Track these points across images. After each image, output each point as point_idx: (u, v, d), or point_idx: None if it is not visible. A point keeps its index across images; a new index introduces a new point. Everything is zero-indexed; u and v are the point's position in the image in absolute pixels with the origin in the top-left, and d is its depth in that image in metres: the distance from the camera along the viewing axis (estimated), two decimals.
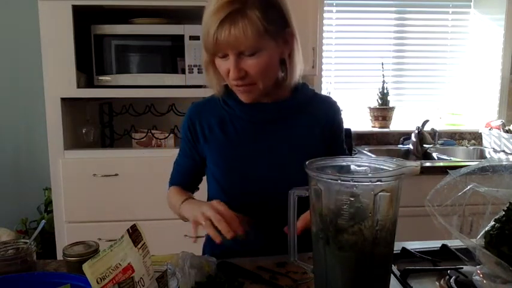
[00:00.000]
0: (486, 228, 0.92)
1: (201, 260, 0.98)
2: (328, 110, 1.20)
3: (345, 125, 1.26)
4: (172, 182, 1.31)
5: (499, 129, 2.78)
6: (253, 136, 1.14)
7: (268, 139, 1.14)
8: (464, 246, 0.90)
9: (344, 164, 0.85)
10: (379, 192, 0.74)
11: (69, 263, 0.94)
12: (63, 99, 2.10)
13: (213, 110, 1.18)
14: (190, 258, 0.96)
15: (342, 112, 1.24)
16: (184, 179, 1.29)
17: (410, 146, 2.80)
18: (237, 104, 1.12)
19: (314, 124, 1.17)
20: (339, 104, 1.25)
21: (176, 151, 2.18)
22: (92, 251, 0.95)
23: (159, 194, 2.18)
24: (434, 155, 2.71)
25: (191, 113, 1.20)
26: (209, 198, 1.23)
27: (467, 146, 2.93)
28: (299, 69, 1.11)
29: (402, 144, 2.89)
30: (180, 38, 2.13)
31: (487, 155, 2.83)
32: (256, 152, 1.13)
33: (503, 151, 2.73)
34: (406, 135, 2.88)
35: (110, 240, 0.82)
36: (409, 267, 0.99)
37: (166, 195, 1.29)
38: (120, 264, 0.70)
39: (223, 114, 1.16)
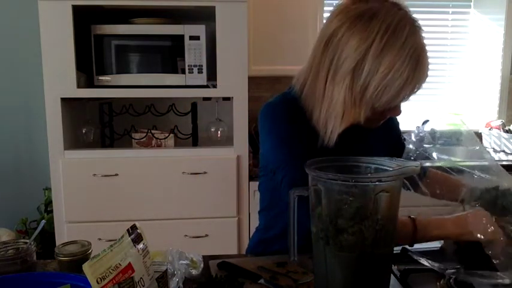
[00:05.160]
0: None
1: (187, 256, 0.99)
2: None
3: None
4: None
5: (499, 129, 2.78)
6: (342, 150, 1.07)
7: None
8: None
9: (345, 164, 0.85)
10: (379, 192, 0.74)
11: (60, 262, 0.94)
12: (63, 99, 2.10)
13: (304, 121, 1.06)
14: (179, 254, 0.97)
15: None
16: None
17: (411, 146, 2.80)
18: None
19: (384, 133, 1.19)
20: None
21: (176, 151, 2.21)
22: (84, 251, 0.95)
23: (159, 194, 2.20)
24: (434, 155, 2.70)
25: (292, 110, 1.05)
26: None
27: (467, 146, 2.93)
28: None
29: None
30: (180, 38, 2.12)
31: (487, 155, 2.82)
32: None
33: (503, 151, 2.73)
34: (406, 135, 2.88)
35: (110, 240, 0.82)
36: (409, 267, 0.99)
37: None
38: (120, 264, 0.70)
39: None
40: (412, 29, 0.91)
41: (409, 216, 0.95)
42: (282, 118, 1.06)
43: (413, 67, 0.90)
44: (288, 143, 1.04)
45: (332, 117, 0.98)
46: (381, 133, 1.15)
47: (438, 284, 0.94)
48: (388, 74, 0.89)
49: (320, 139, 1.02)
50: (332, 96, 0.97)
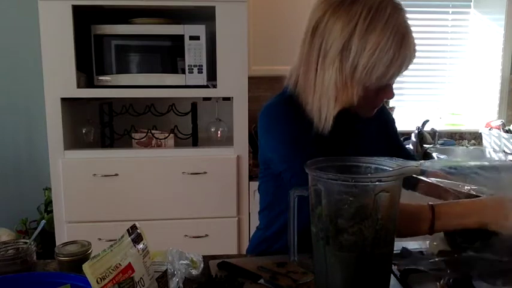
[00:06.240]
0: None
1: (187, 256, 0.99)
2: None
3: None
4: None
5: (499, 129, 2.78)
6: (339, 145, 1.08)
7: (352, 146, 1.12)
8: None
9: (345, 164, 0.85)
10: (379, 192, 0.74)
11: (60, 262, 0.94)
12: (63, 99, 2.10)
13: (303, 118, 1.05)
14: (179, 254, 0.97)
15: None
16: None
17: (410, 146, 2.80)
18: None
19: (378, 128, 1.20)
20: None
21: (176, 151, 2.21)
22: (84, 251, 0.95)
23: (159, 194, 2.20)
24: (434, 155, 2.71)
25: (292, 109, 1.05)
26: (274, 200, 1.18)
27: (467, 146, 2.93)
28: None
29: None
30: (180, 38, 2.12)
31: (487, 155, 2.83)
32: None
33: (503, 151, 2.73)
34: (406, 135, 2.89)
35: (110, 240, 0.83)
36: (409, 267, 0.99)
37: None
38: (120, 264, 0.70)
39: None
40: (393, 9, 0.93)
41: (428, 203, 0.92)
42: (283, 118, 1.06)
43: (398, 45, 0.92)
44: (292, 143, 1.05)
45: (325, 101, 0.99)
46: (373, 128, 1.18)
47: (438, 284, 0.93)
48: (375, 52, 0.92)
49: (315, 127, 1.02)
50: (323, 81, 0.98)
